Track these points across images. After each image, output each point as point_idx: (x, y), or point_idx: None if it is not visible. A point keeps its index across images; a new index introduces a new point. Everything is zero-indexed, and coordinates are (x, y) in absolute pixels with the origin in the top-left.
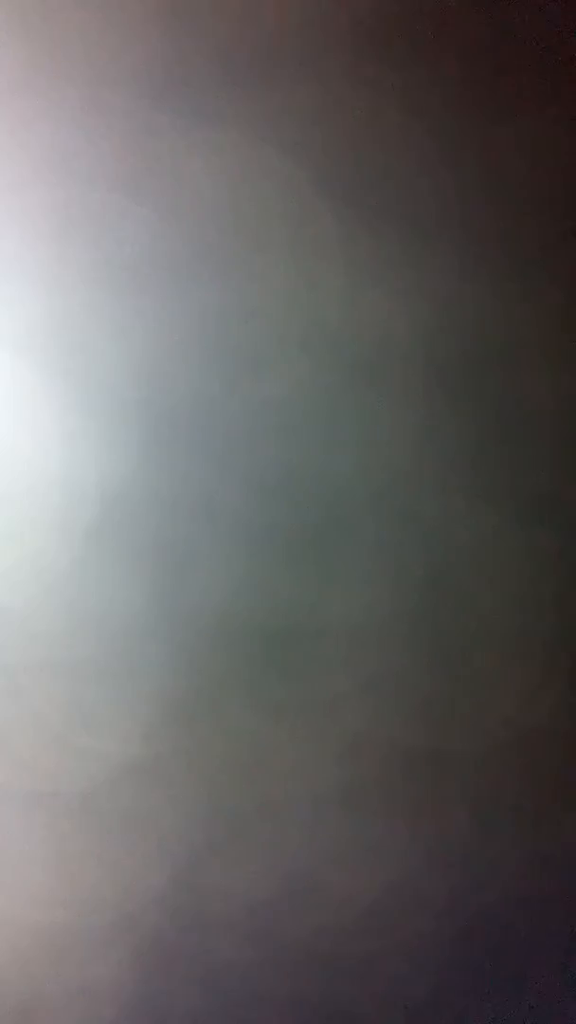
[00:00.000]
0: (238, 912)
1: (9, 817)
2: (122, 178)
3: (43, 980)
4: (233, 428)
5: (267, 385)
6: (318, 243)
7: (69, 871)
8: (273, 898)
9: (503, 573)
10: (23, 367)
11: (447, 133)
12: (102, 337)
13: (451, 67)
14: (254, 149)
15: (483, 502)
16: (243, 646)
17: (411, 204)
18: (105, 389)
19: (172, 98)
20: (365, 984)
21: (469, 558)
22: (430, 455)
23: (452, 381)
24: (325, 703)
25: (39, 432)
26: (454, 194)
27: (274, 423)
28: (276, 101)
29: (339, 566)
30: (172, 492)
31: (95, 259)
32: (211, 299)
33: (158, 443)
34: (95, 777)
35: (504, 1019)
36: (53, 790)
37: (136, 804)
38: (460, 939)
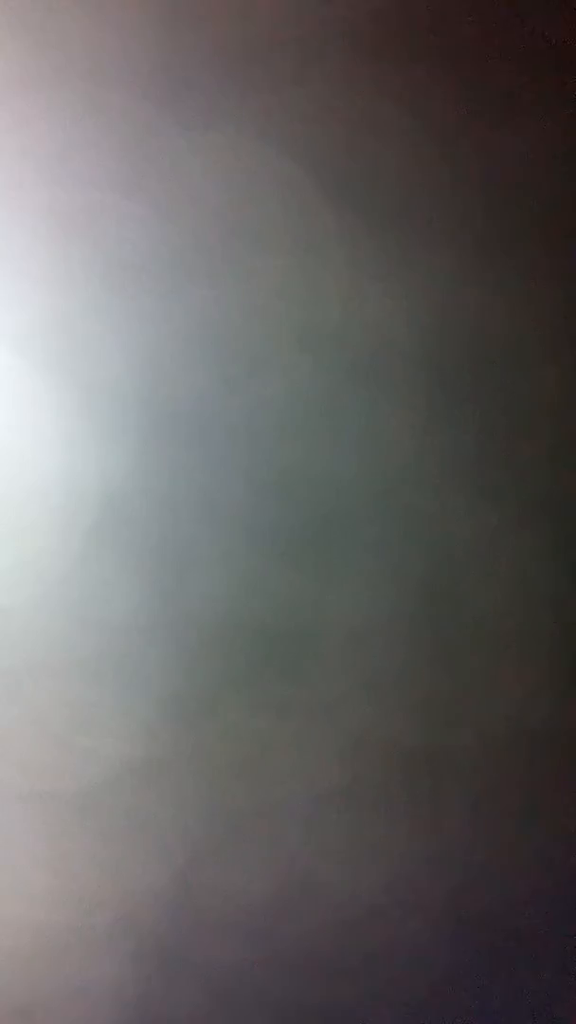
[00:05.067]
0: (238, 912)
1: (9, 817)
2: (122, 178)
3: (43, 980)
4: (233, 428)
5: (267, 385)
6: (318, 243)
7: (69, 871)
8: (273, 898)
9: (503, 573)
10: (23, 367)
11: (447, 133)
12: (102, 337)
13: (451, 67)
14: (254, 149)
15: (483, 502)
16: (243, 646)
17: (411, 204)
18: (105, 389)
19: (172, 98)
20: (365, 984)
21: (469, 558)
22: (430, 455)
23: (452, 381)
24: (325, 703)
25: (39, 432)
26: (454, 194)
27: (274, 423)
28: (276, 101)
29: (339, 566)
30: (172, 492)
31: (95, 259)
32: (211, 299)
33: (158, 443)
34: (95, 777)
35: (504, 1019)
36: (53, 790)
37: (136, 804)
38: (460, 939)
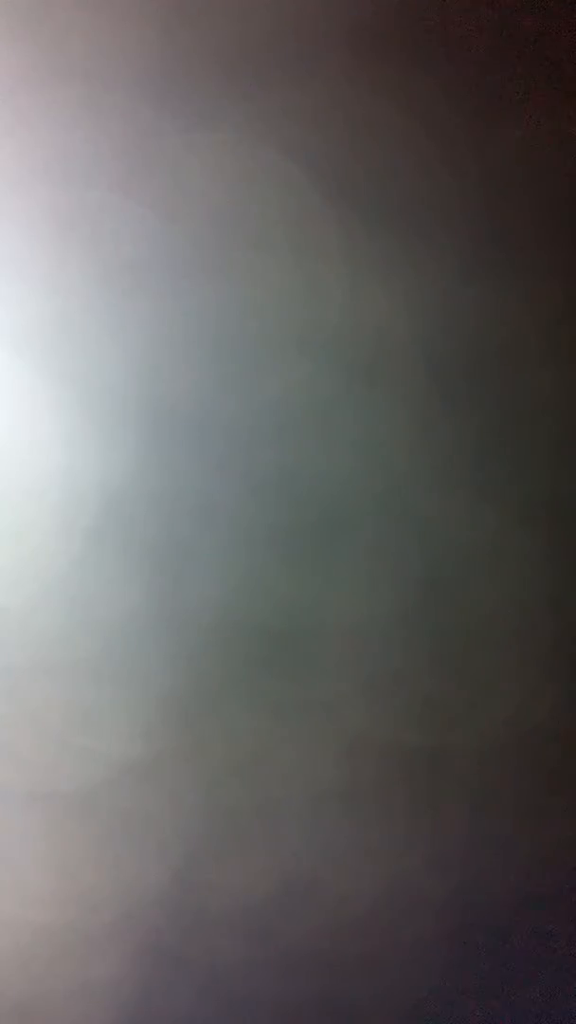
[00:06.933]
0: (238, 912)
1: (9, 817)
2: (122, 178)
3: (43, 980)
4: (233, 428)
5: (267, 385)
6: (318, 243)
7: (69, 871)
8: (273, 898)
9: (503, 573)
10: (23, 367)
11: (447, 133)
12: (102, 337)
13: (451, 67)
14: (254, 149)
15: (483, 502)
16: (243, 646)
17: (411, 204)
18: (105, 389)
19: (172, 98)
20: (365, 984)
21: (469, 558)
22: (430, 455)
23: (452, 381)
24: (325, 703)
25: (39, 432)
26: (454, 194)
27: (274, 423)
28: (276, 101)
29: (339, 566)
30: (172, 492)
31: (95, 259)
32: (211, 299)
33: (158, 443)
34: (95, 777)
35: (504, 1019)
36: (53, 790)
37: (136, 804)
38: (460, 939)
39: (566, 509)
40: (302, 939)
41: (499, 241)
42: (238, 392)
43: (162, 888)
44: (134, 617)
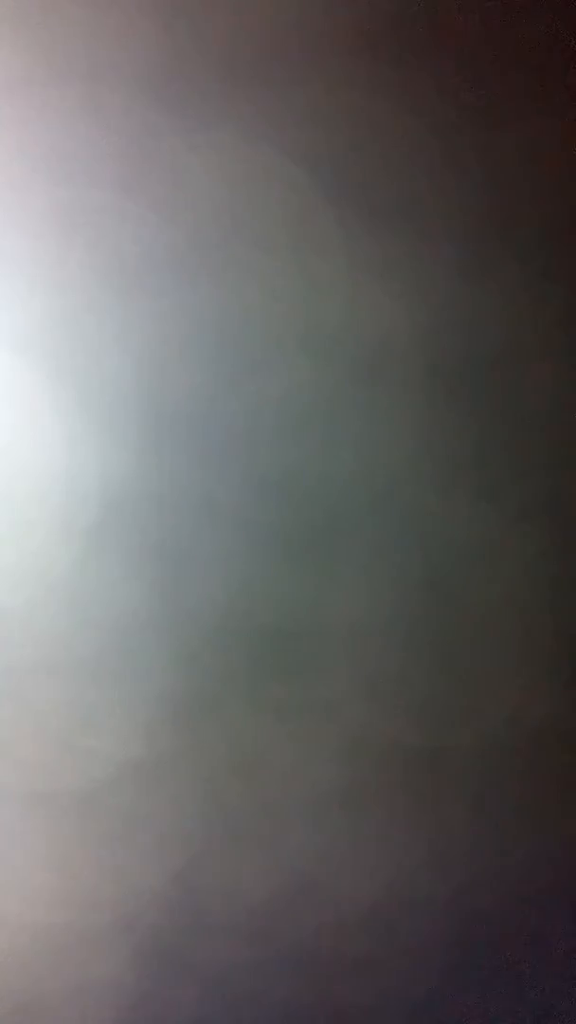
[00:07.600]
0: (238, 912)
1: (9, 817)
2: (122, 178)
3: (43, 980)
4: (233, 428)
5: (267, 385)
6: (318, 243)
7: (69, 871)
8: (273, 898)
9: (503, 573)
10: (23, 367)
11: (447, 133)
12: (102, 337)
13: (451, 67)
14: (254, 149)
15: (483, 502)
16: (243, 646)
17: (411, 204)
18: (106, 389)
19: (172, 98)
20: (365, 984)
21: (469, 558)
22: (430, 455)
23: (452, 381)
24: (325, 703)
25: (39, 432)
26: (454, 194)
27: (274, 423)
28: (276, 101)
29: (339, 566)
30: (172, 492)
31: (95, 259)
32: (211, 299)
33: (158, 443)
34: (95, 777)
35: (505, 1019)
36: (53, 790)
37: (136, 804)
38: (460, 939)
39: (566, 509)
40: (302, 940)
41: (499, 240)
42: (238, 392)
43: (162, 888)
44: (134, 617)
